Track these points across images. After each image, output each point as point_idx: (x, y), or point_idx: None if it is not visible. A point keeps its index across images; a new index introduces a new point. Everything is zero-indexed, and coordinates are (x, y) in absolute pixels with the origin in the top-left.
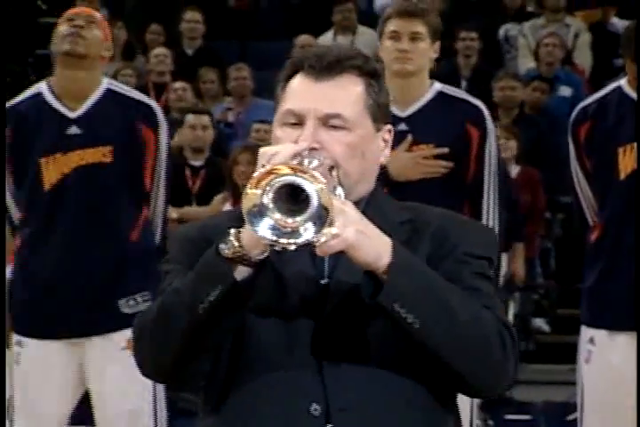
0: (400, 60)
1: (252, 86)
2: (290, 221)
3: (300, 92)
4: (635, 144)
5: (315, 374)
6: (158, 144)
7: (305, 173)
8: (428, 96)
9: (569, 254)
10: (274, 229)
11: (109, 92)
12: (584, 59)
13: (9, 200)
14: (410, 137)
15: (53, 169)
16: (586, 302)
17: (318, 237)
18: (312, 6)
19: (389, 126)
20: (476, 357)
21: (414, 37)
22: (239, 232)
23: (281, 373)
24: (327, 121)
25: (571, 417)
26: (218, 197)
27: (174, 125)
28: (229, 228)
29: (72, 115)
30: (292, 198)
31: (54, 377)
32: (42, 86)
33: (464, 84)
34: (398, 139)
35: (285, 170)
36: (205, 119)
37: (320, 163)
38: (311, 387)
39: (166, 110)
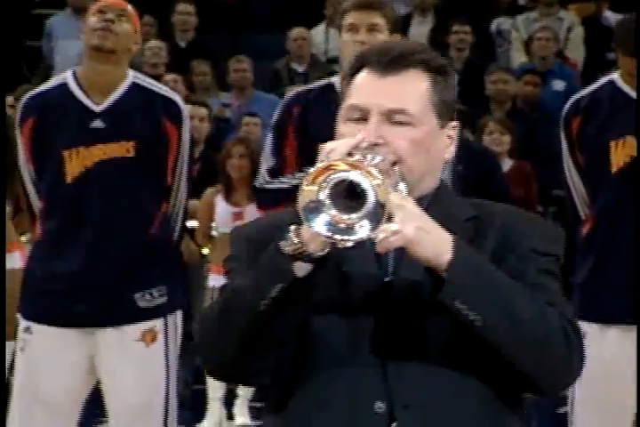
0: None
1: (252, 79)
2: (345, 217)
3: (365, 87)
4: (628, 138)
5: (378, 371)
6: (181, 140)
7: (361, 168)
8: None
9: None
10: (329, 224)
11: (135, 86)
12: (577, 52)
13: (30, 189)
14: None
15: (76, 162)
16: (577, 296)
17: (374, 234)
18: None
19: (455, 123)
20: (539, 354)
21: (372, 29)
22: (299, 229)
23: (344, 370)
24: (391, 116)
25: (561, 410)
26: (210, 190)
27: None
28: (290, 225)
29: (97, 108)
30: (350, 195)
31: (64, 365)
32: (68, 76)
33: (456, 77)
34: None
35: (342, 166)
36: (203, 111)
37: (382, 158)
38: (374, 385)
39: None
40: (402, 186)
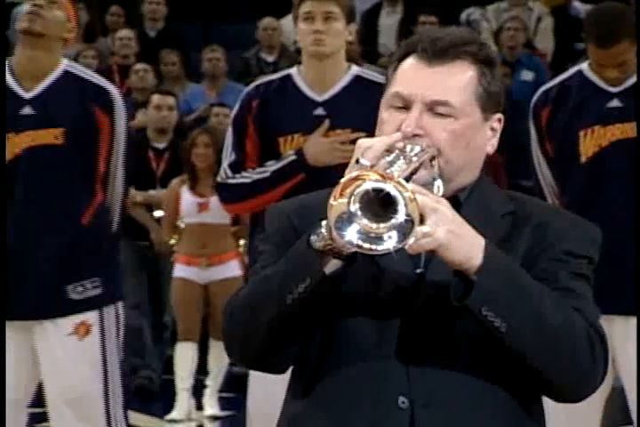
0: (315, 42)
1: (226, 69)
2: (374, 226)
3: (410, 76)
4: (597, 127)
5: (401, 368)
6: (114, 128)
7: (392, 179)
8: (346, 79)
9: None
10: (360, 233)
11: (67, 74)
12: (546, 43)
13: None
14: (327, 122)
15: (7, 149)
16: None
17: (402, 245)
18: None
19: (499, 115)
20: (563, 362)
21: (328, 17)
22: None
23: (369, 364)
24: (434, 107)
25: None
26: (176, 180)
27: (135, 107)
28: (321, 220)
29: (27, 95)
30: (380, 203)
31: (10, 360)
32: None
33: None
34: (315, 123)
35: (373, 176)
36: (171, 100)
37: (422, 149)
38: (397, 381)
39: (129, 92)
40: (438, 182)
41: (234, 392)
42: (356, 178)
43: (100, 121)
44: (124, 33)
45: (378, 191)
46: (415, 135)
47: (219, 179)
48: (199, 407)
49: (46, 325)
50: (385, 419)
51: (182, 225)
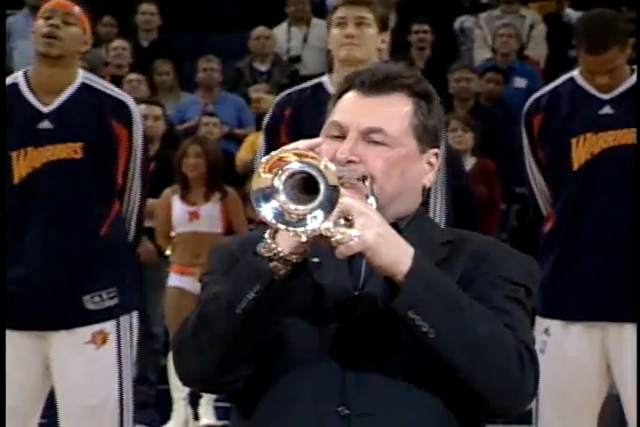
0: (347, 46)
1: (221, 78)
2: (293, 207)
3: (347, 106)
4: (588, 134)
5: (339, 378)
6: (132, 140)
7: (307, 156)
8: None
9: (524, 245)
10: (278, 212)
11: (84, 87)
12: (539, 50)
13: None
14: None
15: (24, 163)
16: (540, 293)
17: (329, 229)
18: None
19: (437, 150)
20: (491, 373)
21: (360, 22)
22: (275, 232)
23: (309, 375)
24: (369, 135)
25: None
26: (167, 190)
27: None
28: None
29: (45, 109)
30: (307, 191)
31: (20, 370)
32: (19, 76)
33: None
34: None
35: (292, 157)
36: (157, 110)
37: (351, 170)
38: (335, 391)
39: None
40: (371, 199)
41: (229, 402)
42: (280, 159)
43: (119, 134)
44: (118, 43)
45: (303, 178)
46: (350, 162)
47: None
48: (196, 417)
49: (63, 334)
50: (325, 426)
51: (173, 235)
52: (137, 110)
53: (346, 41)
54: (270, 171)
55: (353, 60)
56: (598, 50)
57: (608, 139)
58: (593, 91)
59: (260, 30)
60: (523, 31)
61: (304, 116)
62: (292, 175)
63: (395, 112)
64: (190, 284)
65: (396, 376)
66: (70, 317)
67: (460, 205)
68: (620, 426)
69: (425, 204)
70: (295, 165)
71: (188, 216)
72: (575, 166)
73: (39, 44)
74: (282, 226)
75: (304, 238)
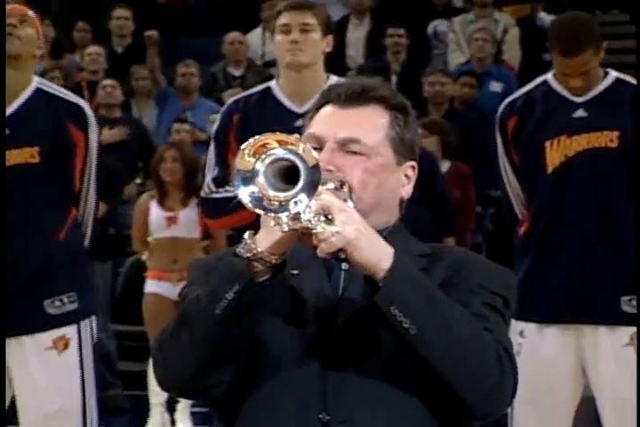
0: (292, 52)
1: (200, 83)
2: (272, 194)
3: (324, 118)
4: (562, 137)
5: (319, 386)
6: (88, 144)
7: (288, 142)
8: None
9: (500, 249)
10: (255, 197)
11: (39, 92)
12: (513, 54)
13: None
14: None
15: None
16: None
17: (310, 222)
18: (241, 3)
19: (413, 163)
20: (471, 372)
21: (304, 29)
22: (254, 233)
23: (291, 382)
24: (346, 145)
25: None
26: (144, 196)
27: (103, 123)
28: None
29: None
30: (287, 181)
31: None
32: None
33: (394, 79)
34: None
35: (274, 143)
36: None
37: (330, 177)
38: (316, 398)
39: (98, 108)
40: (349, 204)
41: (207, 407)
42: (262, 145)
43: (75, 138)
44: (93, 49)
45: (284, 168)
46: (327, 171)
47: (202, 193)
48: (172, 423)
49: (24, 340)
50: None
51: (150, 240)
52: (92, 114)
53: (290, 46)
54: (254, 155)
55: (297, 65)
56: (572, 52)
57: (582, 142)
58: (566, 94)
59: (233, 35)
60: (497, 35)
61: (252, 121)
62: (273, 162)
63: (371, 123)
64: (167, 289)
65: (378, 383)
66: (31, 322)
67: (436, 209)
68: None
69: None
70: (278, 151)
71: (166, 221)
72: (549, 169)
73: None
74: (260, 211)
75: (285, 227)
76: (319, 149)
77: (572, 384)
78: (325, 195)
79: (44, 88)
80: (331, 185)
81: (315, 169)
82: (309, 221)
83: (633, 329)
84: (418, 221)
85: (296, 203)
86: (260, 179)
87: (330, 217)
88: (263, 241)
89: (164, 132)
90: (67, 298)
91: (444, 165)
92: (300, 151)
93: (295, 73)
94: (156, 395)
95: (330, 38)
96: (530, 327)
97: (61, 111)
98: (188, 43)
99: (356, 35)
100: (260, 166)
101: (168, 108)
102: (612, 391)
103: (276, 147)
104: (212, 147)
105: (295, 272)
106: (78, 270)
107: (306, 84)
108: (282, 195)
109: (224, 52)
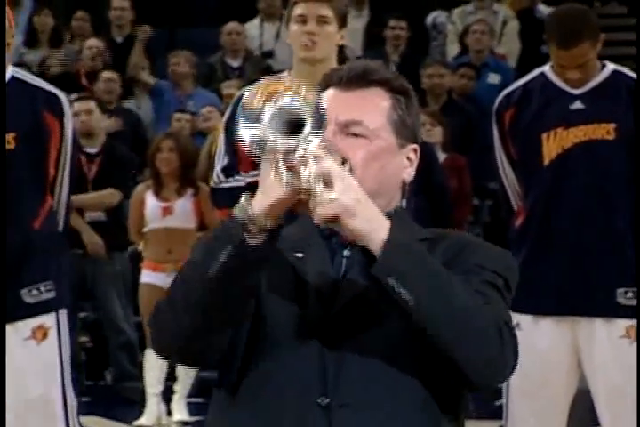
0: (307, 47)
1: (194, 74)
2: (281, 142)
3: (326, 101)
4: (559, 129)
5: (319, 368)
6: (63, 133)
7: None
8: None
9: (497, 240)
10: (255, 137)
11: (14, 80)
12: (512, 46)
13: None
14: None
15: None
16: None
17: (309, 179)
18: None
19: (415, 146)
20: (471, 343)
21: (321, 20)
22: (250, 196)
23: (291, 364)
24: (348, 127)
25: (498, 403)
26: (140, 186)
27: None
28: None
29: None
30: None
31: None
32: None
33: (393, 70)
34: None
35: (285, 91)
36: (89, 104)
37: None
38: (316, 381)
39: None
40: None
41: (202, 397)
42: (275, 90)
43: (51, 125)
44: (93, 42)
45: (292, 120)
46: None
47: (212, 183)
48: (168, 413)
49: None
50: (306, 417)
51: (146, 230)
52: (67, 103)
53: (305, 38)
54: (268, 97)
55: (312, 60)
56: (569, 44)
57: (579, 134)
58: (564, 86)
59: (231, 26)
60: (496, 27)
61: None
62: (280, 110)
63: (373, 105)
64: (162, 280)
65: (378, 366)
66: (9, 310)
67: (434, 200)
68: (590, 421)
69: None
70: (287, 100)
71: (161, 211)
72: (546, 161)
73: None
74: (257, 151)
75: (284, 182)
76: None
77: (567, 376)
78: (327, 160)
79: (20, 77)
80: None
81: (318, 108)
82: (308, 180)
83: (629, 322)
84: (415, 212)
85: (308, 143)
86: (267, 121)
87: (329, 183)
88: (258, 204)
89: (161, 123)
90: (43, 287)
91: (441, 157)
92: (302, 95)
93: (309, 66)
94: (152, 386)
95: (344, 31)
96: (525, 319)
97: (37, 99)
98: (186, 33)
99: (355, 26)
100: (268, 109)
101: (164, 99)
102: (607, 383)
103: (284, 94)
104: (221, 136)
105: (299, 255)
106: (55, 259)
107: (318, 78)
108: (287, 140)
109: (222, 42)
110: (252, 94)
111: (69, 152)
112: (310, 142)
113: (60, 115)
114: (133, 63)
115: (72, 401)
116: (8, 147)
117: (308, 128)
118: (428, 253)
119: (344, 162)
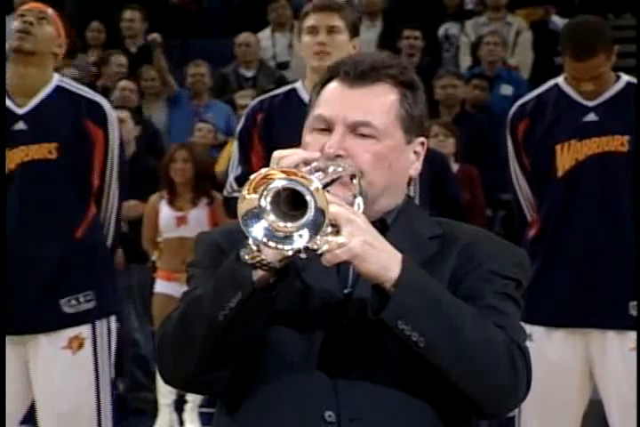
0: (319, 56)
1: (211, 84)
2: (282, 224)
3: (332, 99)
4: (573, 141)
5: (328, 384)
6: (107, 141)
7: (297, 175)
8: None
9: None
10: (267, 231)
11: (59, 89)
12: (525, 57)
13: None
14: None
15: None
16: (524, 299)
17: (312, 244)
18: (252, 4)
19: (423, 139)
20: (481, 380)
21: (332, 31)
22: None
23: (296, 378)
24: (356, 129)
25: (510, 414)
26: (154, 196)
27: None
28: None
29: (19, 111)
30: (293, 205)
31: (6, 375)
32: None
33: None
34: None
35: (279, 174)
36: (123, 114)
37: (342, 169)
38: (324, 396)
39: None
40: (359, 199)
41: (214, 408)
42: (265, 177)
43: (94, 135)
44: (125, 84)
45: (289, 192)
46: (338, 156)
47: (225, 193)
48: (180, 423)
49: (40, 339)
50: None
51: (160, 240)
52: (112, 112)
53: (317, 49)
54: (255, 190)
55: (324, 69)
56: (584, 56)
57: (592, 146)
58: (578, 97)
59: (244, 36)
60: (509, 38)
61: (276, 121)
62: (278, 192)
63: (381, 104)
64: (177, 290)
65: (385, 381)
66: (47, 320)
67: (447, 212)
68: None
69: None
70: (281, 183)
71: (176, 221)
72: (559, 173)
73: (13, 39)
74: (272, 244)
75: (290, 253)
76: (327, 130)
77: (579, 388)
78: (334, 205)
79: (65, 85)
80: (340, 172)
81: (322, 213)
82: (315, 242)
83: None
84: None
85: (300, 236)
86: (270, 214)
87: (337, 225)
88: (268, 250)
89: (176, 132)
90: (83, 297)
91: (453, 168)
92: (313, 190)
93: (321, 75)
94: (164, 396)
95: (357, 41)
96: (538, 331)
97: (81, 108)
98: (200, 44)
99: (368, 36)
100: (264, 202)
101: (180, 109)
102: (619, 395)
103: (279, 178)
104: (235, 146)
105: (303, 256)
106: (97, 269)
107: None
108: (290, 225)
109: (235, 53)
110: (243, 196)
111: (116, 162)
112: (307, 233)
113: (103, 123)
114: (157, 68)
115: (107, 413)
116: (50, 157)
117: (308, 214)
118: (438, 287)
119: (353, 177)
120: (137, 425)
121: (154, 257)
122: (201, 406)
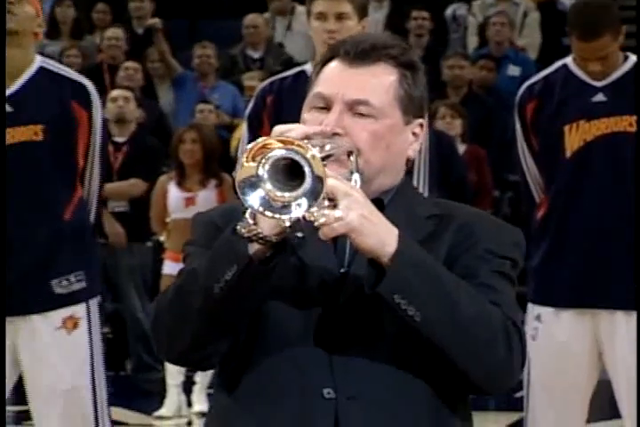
0: (328, 42)
1: (217, 65)
2: (279, 194)
3: (332, 77)
4: (581, 122)
5: (326, 359)
6: (92, 123)
7: (294, 144)
8: None
9: None
10: (264, 200)
11: (42, 70)
12: (533, 38)
13: None
14: None
15: None
16: (532, 280)
17: (309, 213)
18: None
19: (421, 120)
20: (477, 354)
21: (340, 17)
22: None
23: (294, 355)
24: (354, 107)
25: (518, 395)
26: (163, 177)
27: None
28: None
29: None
30: (291, 176)
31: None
32: None
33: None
34: None
35: (276, 144)
36: (127, 93)
37: (337, 145)
38: (322, 374)
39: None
40: (356, 176)
41: None
42: (263, 146)
43: (79, 116)
44: (112, 32)
45: (288, 163)
46: (335, 134)
47: (234, 175)
48: (189, 404)
49: (34, 319)
50: (310, 410)
51: (169, 221)
52: (96, 93)
53: (327, 36)
54: (254, 159)
55: None
56: (591, 37)
57: (601, 126)
58: (586, 78)
59: (251, 17)
60: (516, 19)
61: (285, 103)
62: (276, 162)
63: (380, 83)
64: None
65: (383, 359)
66: (39, 301)
67: (455, 192)
68: (611, 412)
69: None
70: (279, 152)
71: (184, 202)
72: (568, 154)
73: None
74: (269, 213)
75: (287, 224)
76: (326, 108)
77: (587, 368)
78: (331, 179)
79: (48, 66)
80: (338, 152)
81: (320, 180)
82: (312, 213)
83: None
84: None
85: (298, 205)
86: (266, 182)
87: (334, 199)
88: (265, 222)
89: (183, 114)
90: (74, 277)
91: (460, 149)
92: (309, 157)
93: None
94: (173, 376)
95: (366, 21)
96: (546, 312)
97: (65, 89)
98: (208, 25)
99: (376, 17)
100: (262, 170)
101: (186, 90)
102: (628, 375)
103: (277, 147)
104: (245, 129)
105: (300, 235)
106: (85, 249)
107: None
108: (287, 195)
109: (243, 34)
110: (241, 164)
111: (99, 143)
112: (306, 201)
113: (88, 105)
114: (159, 51)
115: (102, 392)
116: (36, 138)
117: (306, 184)
118: (435, 263)
119: (350, 154)
120: (145, 406)
121: (162, 238)
122: (209, 388)
